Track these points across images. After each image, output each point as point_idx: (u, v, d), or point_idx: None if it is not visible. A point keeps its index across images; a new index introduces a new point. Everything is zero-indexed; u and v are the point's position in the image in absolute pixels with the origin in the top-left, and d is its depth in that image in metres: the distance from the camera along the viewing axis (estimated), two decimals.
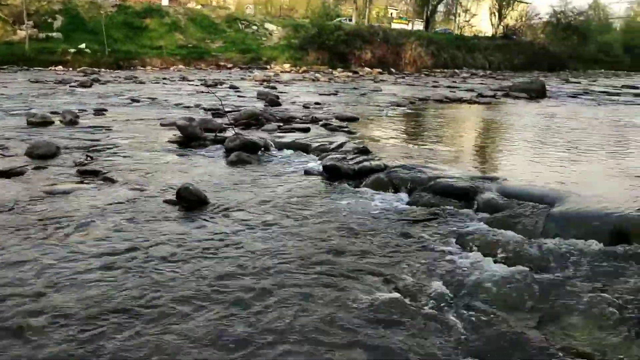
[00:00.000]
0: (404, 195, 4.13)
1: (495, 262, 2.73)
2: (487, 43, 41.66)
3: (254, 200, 3.82)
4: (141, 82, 16.80)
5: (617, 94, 16.12)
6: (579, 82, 23.95)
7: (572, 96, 14.98)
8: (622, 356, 1.87)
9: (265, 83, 17.84)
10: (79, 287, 2.34)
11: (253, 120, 7.36)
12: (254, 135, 6.20)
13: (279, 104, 10.47)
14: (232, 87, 15.43)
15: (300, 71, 27.85)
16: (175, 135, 6.33)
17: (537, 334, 2.04)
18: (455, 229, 3.27)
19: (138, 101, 10.58)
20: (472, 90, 16.22)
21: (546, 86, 15.30)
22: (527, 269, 2.60)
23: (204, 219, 3.36)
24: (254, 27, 34.81)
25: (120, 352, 1.87)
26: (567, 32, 47.83)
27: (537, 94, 14.16)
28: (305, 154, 5.65)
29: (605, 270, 2.58)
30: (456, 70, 33.71)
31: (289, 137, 6.29)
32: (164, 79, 19.26)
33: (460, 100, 12.58)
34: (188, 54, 30.19)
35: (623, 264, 2.65)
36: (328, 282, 2.48)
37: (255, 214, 3.49)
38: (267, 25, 35.51)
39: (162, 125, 7.37)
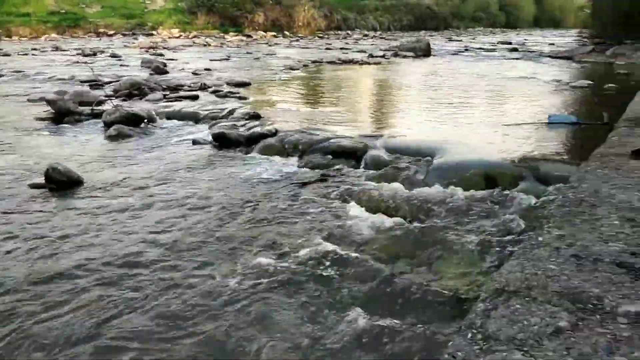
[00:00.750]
0: (295, 159, 4.11)
1: (377, 214, 2.82)
2: (377, 4, 42.56)
3: (135, 175, 3.57)
4: (6, 55, 14.92)
5: (494, 50, 17.37)
6: (461, 40, 25.46)
7: (455, 53, 15.89)
8: (484, 287, 2.02)
9: (151, 50, 16.73)
10: None
11: (135, 91, 6.87)
12: (137, 106, 5.78)
13: (166, 72, 9.87)
14: (113, 55, 14.27)
15: (190, 37, 26.50)
16: (45, 111, 5.72)
17: (414, 278, 2.15)
18: (343, 187, 3.32)
19: (1, 75, 9.39)
20: (363, 51, 16.54)
21: (431, 45, 16.04)
22: (407, 218, 2.72)
23: (75, 201, 3.08)
24: None
25: None
26: None
27: (423, 52, 14.80)
28: (193, 124, 5.40)
29: (474, 212, 2.78)
30: (349, 32, 34.17)
31: (176, 107, 5.95)
32: (34, 49, 17.28)
33: (352, 62, 12.77)
34: (61, 20, 27.29)
35: (490, 205, 2.87)
36: (213, 255, 2.40)
37: (136, 190, 3.27)
38: None
39: (29, 101, 6.62)
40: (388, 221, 2.72)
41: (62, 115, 5.51)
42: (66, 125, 5.28)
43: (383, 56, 14.37)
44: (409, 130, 4.70)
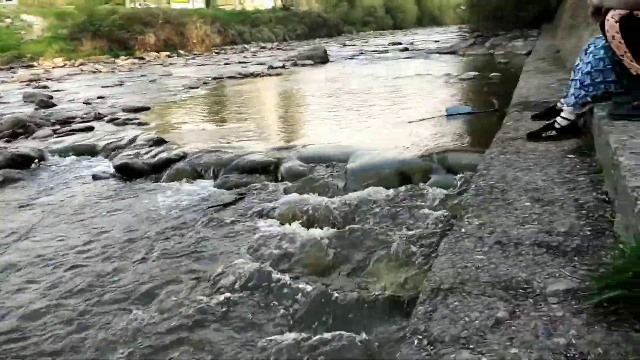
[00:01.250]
0: (208, 182, 3.96)
1: (300, 227, 2.78)
2: (270, 15, 42.86)
3: (27, 225, 3.21)
4: None
5: (386, 52, 18.18)
6: (354, 45, 26.37)
7: (351, 58, 16.39)
8: (418, 285, 2.05)
9: (33, 83, 15.40)
10: None
11: (19, 129, 6.23)
12: (24, 146, 5.26)
13: (53, 105, 9.10)
14: None
15: (76, 64, 24.80)
16: None
17: (348, 287, 2.12)
18: (262, 204, 3.24)
19: None
20: (262, 63, 16.52)
21: (327, 51, 16.42)
22: (332, 227, 2.70)
23: None
24: (8, 21, 29.62)
25: None
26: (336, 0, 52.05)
27: (320, 59, 15.11)
28: (91, 157, 5.01)
29: (396, 211, 2.83)
30: (245, 46, 34.01)
31: (69, 141, 5.50)
32: None
33: (252, 75, 12.69)
34: None
35: (409, 201, 2.95)
36: (127, 296, 2.20)
37: (33, 240, 2.93)
38: (23, 16, 30.53)
39: None
40: (313, 232, 2.68)
41: None
42: None
43: (283, 66, 14.45)
44: (320, 138, 4.72)
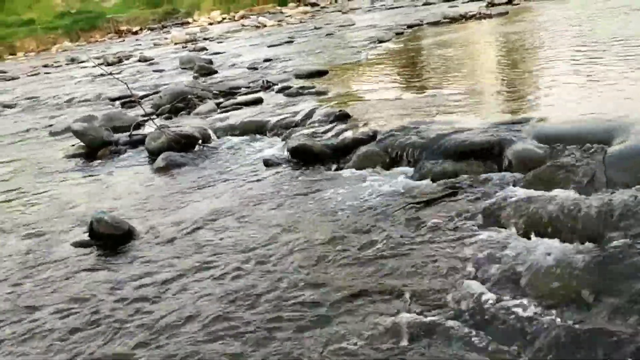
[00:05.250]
0: (406, 169, 4.15)
1: (541, 238, 2.78)
2: None
3: (198, 219, 3.80)
4: (13, 78, 16.53)
5: None
6: None
7: None
8: None
9: (189, 45, 17.69)
10: None
11: (180, 103, 7.31)
12: (185, 123, 6.16)
13: (214, 72, 10.41)
14: (143, 59, 15.27)
15: (236, 19, 27.64)
16: (73, 145, 6.27)
17: (622, 328, 2.08)
18: (482, 203, 3.30)
19: (12, 106, 10.42)
20: None
21: None
22: (580, 240, 2.65)
23: (130, 262, 3.32)
24: None
25: None
26: None
27: None
28: (261, 137, 5.64)
29: None
30: None
31: (235, 118, 6.26)
32: (46, 66, 18.99)
33: (464, 18, 12.64)
34: (73, 24, 29.70)
35: None
36: (329, 311, 2.49)
37: (203, 240, 3.47)
38: None
39: (52, 134, 7.28)
40: (558, 246, 2.66)
41: (94, 148, 6.00)
42: (102, 160, 5.74)
43: (510, 1, 14.06)
44: (565, 108, 4.55)
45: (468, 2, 16.52)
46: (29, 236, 3.97)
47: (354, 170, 4.33)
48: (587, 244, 2.66)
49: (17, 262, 3.56)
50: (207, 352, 2.34)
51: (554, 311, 2.26)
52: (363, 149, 4.53)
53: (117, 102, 8.78)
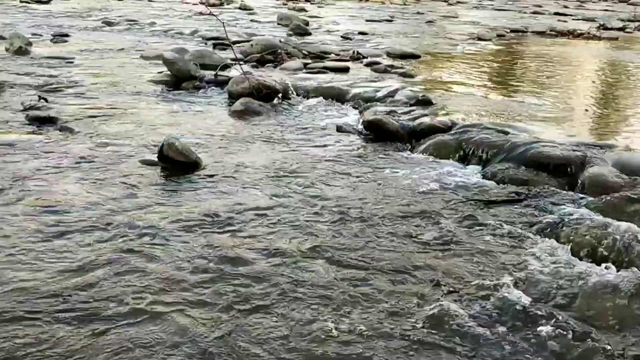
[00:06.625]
0: (475, 167, 4.13)
1: (598, 264, 2.74)
2: None
3: (263, 166, 3.88)
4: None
5: None
6: None
7: None
8: None
9: (291, 3, 17.77)
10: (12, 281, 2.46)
11: (269, 55, 7.39)
12: (270, 75, 6.23)
13: (308, 33, 10.46)
14: (243, 7, 15.43)
15: None
16: (160, 72, 6.45)
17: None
18: (545, 216, 3.26)
19: (112, 24, 10.74)
20: (592, 19, 15.73)
21: None
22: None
23: (193, 190, 3.44)
24: None
25: None
26: None
27: None
28: (339, 105, 5.67)
29: None
30: None
31: (318, 80, 6.30)
32: None
33: (572, 34, 12.26)
34: None
35: None
36: (359, 300, 2.53)
37: (267, 187, 3.55)
38: None
39: (143, 57, 7.49)
40: (615, 275, 2.62)
41: (180, 79, 6.16)
42: (184, 91, 5.90)
43: (622, 29, 13.54)
44: None
45: (578, 19, 16.00)
46: (100, 145, 4.14)
47: (424, 155, 4.32)
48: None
49: (83, 166, 3.73)
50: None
51: (591, 329, 2.24)
52: (438, 137, 4.51)
53: (210, 42, 8.93)
